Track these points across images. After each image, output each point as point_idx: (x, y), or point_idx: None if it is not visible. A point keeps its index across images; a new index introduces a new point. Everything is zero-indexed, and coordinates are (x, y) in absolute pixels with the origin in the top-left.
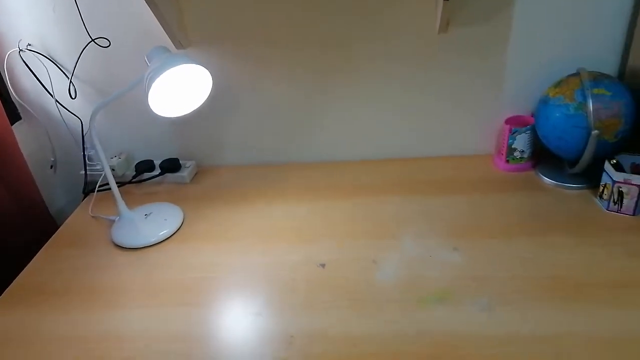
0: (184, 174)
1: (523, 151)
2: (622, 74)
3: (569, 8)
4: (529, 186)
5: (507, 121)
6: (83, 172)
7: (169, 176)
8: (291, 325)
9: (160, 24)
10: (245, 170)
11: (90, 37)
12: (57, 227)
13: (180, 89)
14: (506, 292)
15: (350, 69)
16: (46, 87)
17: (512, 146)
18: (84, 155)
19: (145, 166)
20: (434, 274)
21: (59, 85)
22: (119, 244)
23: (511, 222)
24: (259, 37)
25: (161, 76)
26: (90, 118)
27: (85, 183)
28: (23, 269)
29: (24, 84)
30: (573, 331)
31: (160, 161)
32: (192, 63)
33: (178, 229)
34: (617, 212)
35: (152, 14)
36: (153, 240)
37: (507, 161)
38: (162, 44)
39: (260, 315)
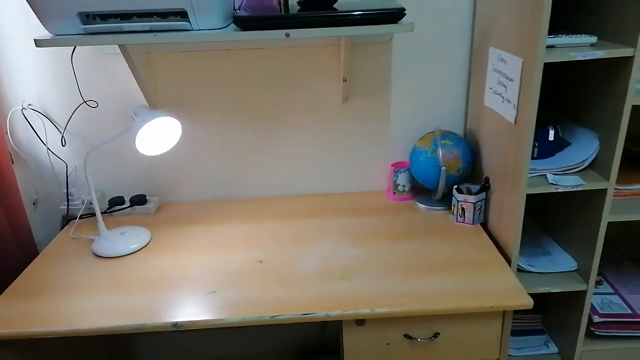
0: (150, 206)
1: (404, 186)
2: (465, 132)
3: (430, 89)
4: (408, 210)
5: (393, 165)
6: (63, 206)
7: (137, 208)
8: (237, 297)
9: (140, 89)
10: (201, 204)
11: (83, 98)
12: (37, 252)
13: (155, 137)
14: (386, 271)
15: (284, 129)
16: (41, 137)
17: (397, 182)
18: (67, 192)
19: (117, 200)
20: (340, 263)
21: (50, 136)
22: (100, 255)
23: (394, 232)
24: (214, 103)
25: (147, 124)
26: (86, 157)
27: (67, 213)
28: (10, 281)
29: (21, 135)
30: (425, 288)
31: (130, 197)
32: (168, 116)
33: (147, 244)
34: (462, 222)
35: (134, 83)
36: (126, 251)
37: (394, 193)
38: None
39: (215, 293)
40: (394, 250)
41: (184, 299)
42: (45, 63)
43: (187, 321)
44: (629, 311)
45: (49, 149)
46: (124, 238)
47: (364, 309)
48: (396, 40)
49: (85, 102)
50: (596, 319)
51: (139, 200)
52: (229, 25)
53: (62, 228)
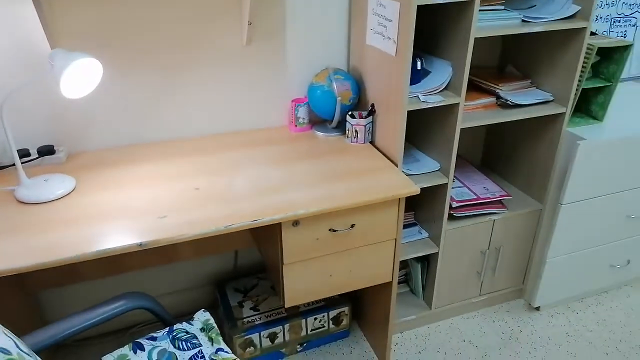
0: (60, 155)
1: (304, 118)
2: (348, 68)
3: (316, 32)
4: (309, 138)
5: (293, 100)
6: None
7: (46, 159)
8: (188, 217)
9: (45, 33)
10: (112, 150)
11: None
12: None
13: (77, 79)
14: (305, 183)
15: (191, 72)
16: None
17: (297, 115)
18: None
19: (22, 152)
20: (266, 182)
21: None
22: (27, 202)
23: (302, 155)
24: (118, 48)
25: (71, 65)
26: (2, 103)
27: None
28: None
29: None
30: (340, 191)
31: (37, 148)
32: (89, 57)
33: (74, 188)
34: (356, 143)
35: (29, 32)
36: (53, 196)
37: (296, 126)
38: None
39: (166, 217)
40: (306, 168)
41: (137, 225)
42: None
43: (151, 240)
44: (474, 196)
45: None
46: (49, 184)
47: (300, 210)
48: None
49: None
50: (454, 204)
51: (48, 150)
52: None
53: None
